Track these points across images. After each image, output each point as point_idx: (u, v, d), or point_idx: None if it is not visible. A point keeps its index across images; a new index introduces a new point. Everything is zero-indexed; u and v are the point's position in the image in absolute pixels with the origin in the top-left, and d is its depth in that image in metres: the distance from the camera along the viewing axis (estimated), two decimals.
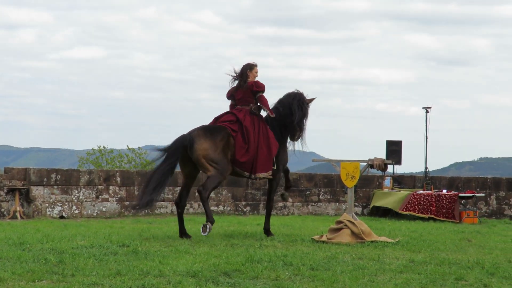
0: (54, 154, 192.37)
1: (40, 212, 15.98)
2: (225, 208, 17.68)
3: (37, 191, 16.07)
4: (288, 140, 12.25)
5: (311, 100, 12.29)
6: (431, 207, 16.75)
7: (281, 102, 12.19)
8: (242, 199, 17.84)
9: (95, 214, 16.48)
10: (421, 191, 17.32)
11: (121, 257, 8.96)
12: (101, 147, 29.79)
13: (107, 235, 11.51)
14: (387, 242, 11.18)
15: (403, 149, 18.23)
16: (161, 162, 11.39)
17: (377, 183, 18.59)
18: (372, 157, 12.21)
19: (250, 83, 11.85)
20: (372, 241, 11.14)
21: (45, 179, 16.18)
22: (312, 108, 12.27)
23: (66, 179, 16.38)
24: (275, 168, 11.93)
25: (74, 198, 16.38)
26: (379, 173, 17.54)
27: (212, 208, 17.48)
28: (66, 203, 16.31)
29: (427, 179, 18.31)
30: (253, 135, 11.63)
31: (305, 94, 12.25)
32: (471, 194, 17.18)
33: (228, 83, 12.07)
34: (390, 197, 17.54)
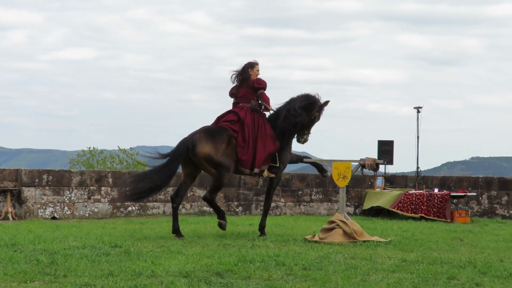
0: (45, 155, 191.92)
1: (32, 213, 15.94)
2: None
3: (28, 192, 16.03)
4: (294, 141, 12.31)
5: (322, 104, 12.23)
6: (422, 207, 16.79)
7: (286, 103, 12.20)
8: (234, 199, 17.84)
9: (87, 215, 16.45)
10: (413, 191, 17.36)
11: (113, 257, 8.95)
12: (91, 148, 29.80)
13: (99, 235, 11.49)
14: (379, 241, 11.20)
15: (395, 149, 18.29)
16: (163, 165, 11.52)
17: (369, 183, 18.61)
18: (364, 157, 12.22)
19: (252, 80, 11.96)
20: (364, 241, 11.15)
21: (36, 180, 16.14)
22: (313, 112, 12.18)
23: (58, 180, 16.34)
24: (277, 165, 11.97)
25: (66, 199, 16.34)
26: (371, 173, 17.56)
27: (204, 208, 17.48)
28: (58, 204, 16.27)
29: (419, 179, 18.35)
30: (253, 133, 11.73)
31: (317, 96, 12.18)
32: (462, 194, 17.22)
33: (230, 82, 12.20)
34: (382, 197, 17.57)
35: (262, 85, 12.01)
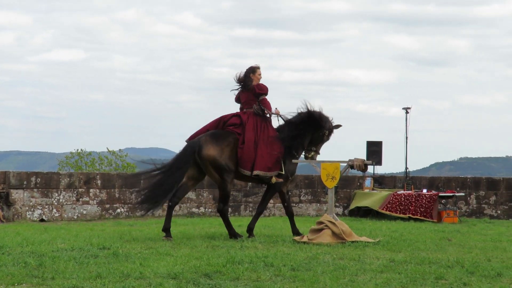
0: (34, 157, 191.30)
1: (20, 216, 15.89)
2: (206, 209, 17.66)
3: (17, 195, 15.97)
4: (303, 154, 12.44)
5: (333, 127, 12.39)
6: (410, 207, 16.83)
7: (295, 116, 12.29)
8: None
9: (75, 217, 16.41)
10: (402, 191, 17.40)
11: (101, 259, 8.94)
12: (80, 150, 29.75)
13: (88, 238, 11.47)
14: (367, 242, 11.22)
15: (384, 150, 18.30)
16: (177, 168, 11.60)
17: (358, 183, 18.65)
18: (353, 158, 12.24)
19: (253, 86, 12.06)
20: (353, 241, 11.17)
21: (25, 182, 16.09)
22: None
23: (46, 182, 16.30)
24: (283, 173, 12.03)
25: (54, 201, 16.30)
26: (360, 173, 17.59)
27: (193, 209, 17.47)
28: (46, 206, 16.23)
29: (408, 179, 18.39)
30: (254, 136, 11.82)
31: (330, 119, 12.33)
32: (451, 194, 17.27)
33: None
34: (371, 197, 17.61)
35: (263, 90, 12.09)
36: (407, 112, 18.66)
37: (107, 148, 30.33)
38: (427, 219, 16.54)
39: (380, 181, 18.79)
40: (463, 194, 18.23)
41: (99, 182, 16.78)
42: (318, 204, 18.56)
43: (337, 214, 16.81)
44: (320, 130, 12.27)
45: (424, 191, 17.34)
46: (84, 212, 16.55)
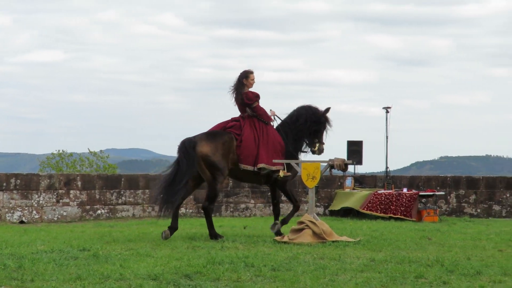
0: (14, 159, 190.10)
1: None
2: (187, 210, 17.63)
3: None
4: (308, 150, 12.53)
5: (324, 111, 12.44)
6: (391, 206, 16.90)
7: (292, 115, 12.43)
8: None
9: (55, 218, 16.32)
10: (382, 191, 17.46)
11: (81, 261, 8.90)
12: (61, 151, 29.61)
13: (68, 239, 11.43)
14: (348, 241, 11.25)
15: (364, 149, 18.35)
16: (188, 166, 11.65)
17: (339, 183, 18.69)
18: (333, 158, 12.27)
19: (241, 96, 12.09)
20: (333, 241, 11.20)
21: (4, 184, 15.99)
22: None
23: (26, 184, 16.21)
24: (288, 174, 12.12)
25: (34, 203, 16.21)
26: (340, 173, 17.62)
27: None
28: (26, 208, 16.13)
29: (388, 179, 18.45)
30: (253, 132, 11.90)
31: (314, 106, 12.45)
32: (431, 193, 17.35)
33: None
34: (352, 197, 17.65)
35: (250, 101, 12.08)
36: (387, 112, 18.71)
37: (88, 149, 30.26)
38: (407, 218, 16.60)
39: (361, 180, 18.84)
40: (443, 193, 18.32)
41: (79, 183, 16.71)
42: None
43: (318, 214, 16.84)
44: (317, 121, 12.32)
45: (405, 190, 17.41)
46: (64, 213, 16.47)
